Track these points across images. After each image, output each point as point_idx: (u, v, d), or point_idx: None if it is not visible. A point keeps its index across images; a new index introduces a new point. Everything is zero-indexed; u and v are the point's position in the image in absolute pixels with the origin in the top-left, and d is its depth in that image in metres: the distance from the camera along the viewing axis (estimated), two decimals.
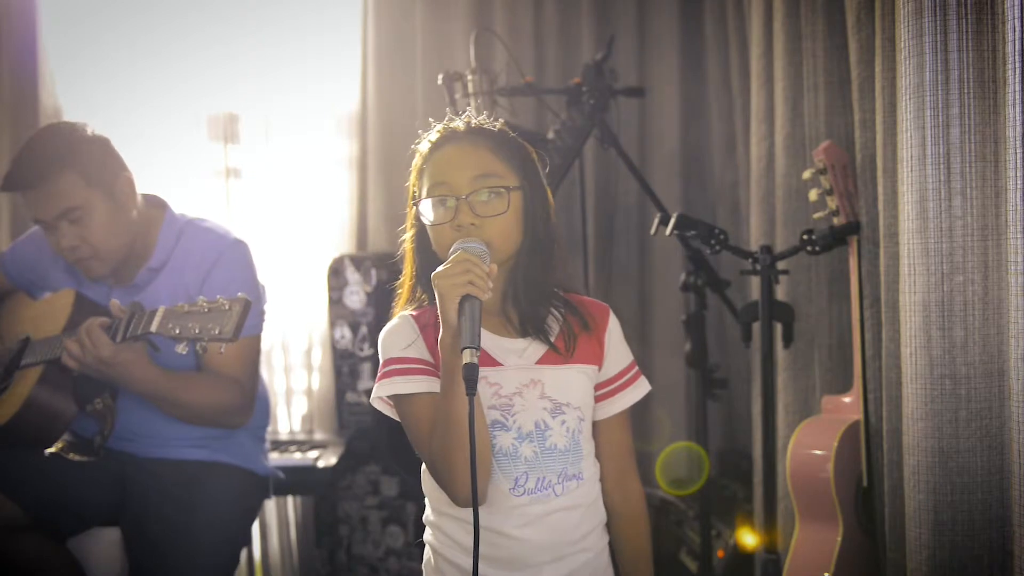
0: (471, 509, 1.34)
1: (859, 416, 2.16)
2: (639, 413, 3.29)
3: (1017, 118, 1.52)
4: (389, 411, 1.54)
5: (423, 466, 1.56)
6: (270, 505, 3.13)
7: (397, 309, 1.59)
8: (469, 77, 2.63)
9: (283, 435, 3.20)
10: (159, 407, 2.13)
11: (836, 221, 2.18)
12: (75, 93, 3.04)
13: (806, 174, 2.24)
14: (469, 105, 2.62)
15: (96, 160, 2.12)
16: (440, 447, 1.43)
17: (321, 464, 2.79)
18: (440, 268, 1.40)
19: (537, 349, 1.54)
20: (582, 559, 1.54)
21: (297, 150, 3.21)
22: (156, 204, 2.29)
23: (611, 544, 1.63)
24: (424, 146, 1.55)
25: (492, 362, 1.51)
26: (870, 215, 2.15)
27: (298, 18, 3.17)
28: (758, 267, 2.27)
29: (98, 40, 3.06)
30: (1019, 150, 1.52)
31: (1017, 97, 1.52)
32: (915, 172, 1.70)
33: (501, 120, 1.58)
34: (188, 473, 2.20)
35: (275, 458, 2.79)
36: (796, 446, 2.20)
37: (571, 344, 1.55)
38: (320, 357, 3.22)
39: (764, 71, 2.62)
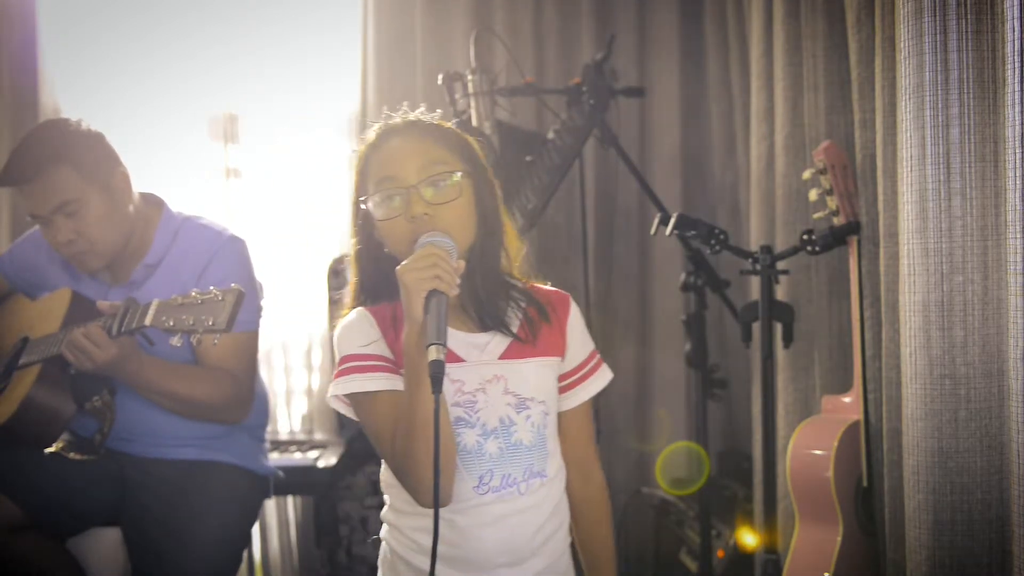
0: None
1: (859, 416, 2.16)
2: (639, 413, 3.29)
3: (1016, 118, 1.52)
4: (346, 410, 1.49)
5: (383, 464, 1.53)
6: (270, 505, 3.13)
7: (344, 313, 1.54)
8: (469, 77, 2.62)
9: (283, 435, 3.20)
10: (155, 401, 2.13)
11: (836, 221, 2.18)
12: (75, 93, 3.04)
13: (806, 174, 2.24)
14: (469, 105, 2.62)
15: (91, 154, 2.13)
16: (403, 447, 1.38)
17: (321, 464, 2.79)
18: (406, 262, 1.36)
19: (499, 343, 1.50)
20: (539, 565, 1.50)
21: (297, 150, 3.21)
22: (153, 202, 2.30)
23: (575, 539, 1.60)
24: (363, 146, 1.51)
25: (454, 358, 1.46)
26: (870, 215, 2.15)
27: (298, 18, 3.17)
28: (758, 267, 2.27)
29: (98, 40, 3.06)
30: (1019, 150, 1.52)
31: (1016, 97, 1.52)
32: (915, 172, 1.70)
33: (440, 112, 1.55)
34: (187, 473, 2.20)
35: (275, 458, 2.79)
36: (796, 446, 2.20)
37: (533, 336, 1.51)
38: (320, 357, 3.22)
39: (764, 71, 2.62)
